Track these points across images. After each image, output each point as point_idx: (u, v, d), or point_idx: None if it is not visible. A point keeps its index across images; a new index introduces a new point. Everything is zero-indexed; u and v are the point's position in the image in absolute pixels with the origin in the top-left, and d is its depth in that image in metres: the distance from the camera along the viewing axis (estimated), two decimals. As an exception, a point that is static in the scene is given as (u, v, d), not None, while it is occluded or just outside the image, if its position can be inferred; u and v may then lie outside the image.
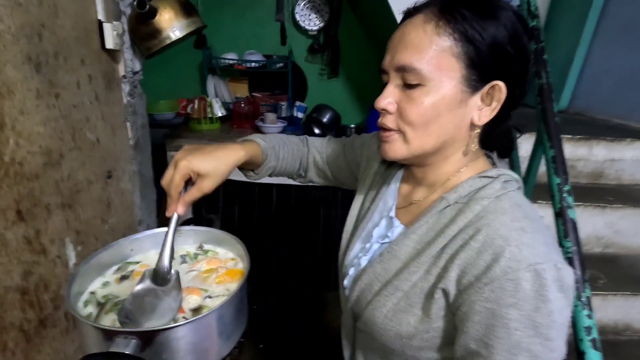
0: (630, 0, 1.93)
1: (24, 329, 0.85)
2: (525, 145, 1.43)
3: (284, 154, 0.76)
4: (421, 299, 0.52)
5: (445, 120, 0.51)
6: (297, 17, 2.42)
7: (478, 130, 0.53)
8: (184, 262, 0.64)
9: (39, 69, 0.83)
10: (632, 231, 1.51)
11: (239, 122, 2.28)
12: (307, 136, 0.84)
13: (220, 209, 2.11)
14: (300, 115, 2.52)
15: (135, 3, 1.10)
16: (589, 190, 1.59)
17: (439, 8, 0.49)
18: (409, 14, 0.53)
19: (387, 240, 0.61)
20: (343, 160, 0.80)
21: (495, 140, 0.58)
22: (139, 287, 0.52)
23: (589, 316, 0.81)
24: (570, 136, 1.61)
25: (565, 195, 0.93)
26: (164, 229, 0.58)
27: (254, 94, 2.49)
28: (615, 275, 1.41)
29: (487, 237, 0.47)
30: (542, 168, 1.10)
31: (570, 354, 0.51)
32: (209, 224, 1.90)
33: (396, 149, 0.54)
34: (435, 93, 0.49)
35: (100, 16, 1.04)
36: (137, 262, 0.63)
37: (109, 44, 1.06)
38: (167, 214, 0.57)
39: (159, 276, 0.54)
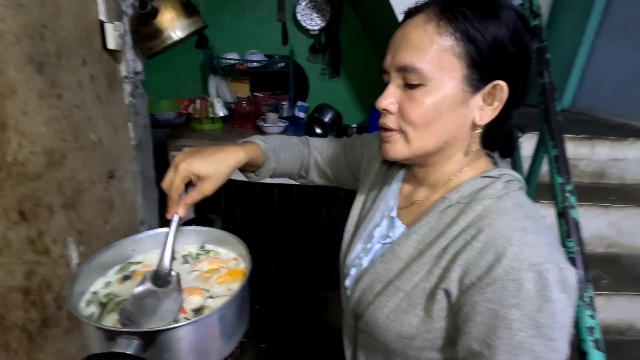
0: (632, -1, 1.92)
1: (27, 329, 0.85)
2: (527, 144, 1.43)
3: (285, 155, 0.76)
4: (423, 300, 0.52)
5: (447, 120, 0.51)
6: (299, 16, 2.42)
7: (479, 130, 0.53)
8: (185, 262, 0.64)
9: (41, 70, 0.83)
10: (635, 231, 1.50)
11: (240, 122, 2.28)
12: (308, 137, 0.84)
13: (222, 209, 2.12)
14: (301, 115, 2.53)
15: (136, 3, 1.10)
16: (591, 190, 1.59)
17: (440, 7, 0.49)
18: (410, 13, 0.52)
19: (388, 240, 0.61)
20: (344, 160, 0.80)
21: (497, 140, 0.57)
22: (139, 288, 0.53)
23: (592, 316, 0.80)
24: (572, 135, 1.61)
25: (567, 194, 0.93)
26: (166, 229, 0.58)
27: (255, 93, 2.49)
28: (618, 275, 1.40)
29: (489, 237, 0.47)
30: (545, 167, 1.09)
31: (572, 355, 0.51)
32: (210, 224, 1.90)
33: (397, 149, 0.54)
34: (436, 93, 0.49)
35: (102, 16, 1.05)
36: (139, 262, 0.63)
37: (111, 44, 1.06)
38: (168, 217, 0.57)
39: (160, 278, 0.54)
